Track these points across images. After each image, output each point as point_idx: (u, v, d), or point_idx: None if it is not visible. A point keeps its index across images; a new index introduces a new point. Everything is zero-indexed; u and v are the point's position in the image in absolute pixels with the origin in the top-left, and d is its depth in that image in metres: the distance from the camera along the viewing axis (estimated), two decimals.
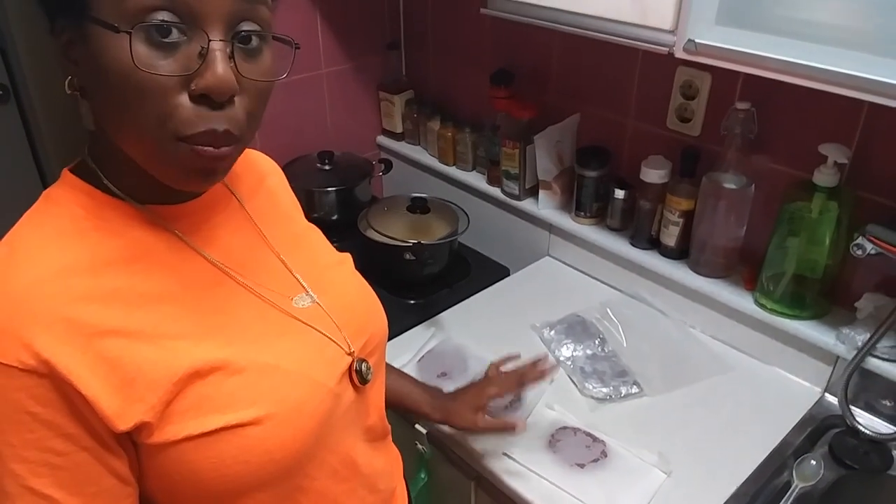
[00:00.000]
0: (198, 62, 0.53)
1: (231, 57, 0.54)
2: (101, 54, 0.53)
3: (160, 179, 0.58)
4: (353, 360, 0.71)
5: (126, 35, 0.51)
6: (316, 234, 0.83)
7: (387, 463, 0.82)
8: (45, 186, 0.63)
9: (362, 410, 0.74)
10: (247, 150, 0.72)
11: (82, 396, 0.53)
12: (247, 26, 0.56)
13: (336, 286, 0.76)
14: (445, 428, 1.05)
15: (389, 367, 0.93)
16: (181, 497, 0.61)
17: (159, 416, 0.56)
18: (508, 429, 1.00)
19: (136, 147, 0.57)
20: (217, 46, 0.53)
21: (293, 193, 0.85)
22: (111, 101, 0.55)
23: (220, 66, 0.53)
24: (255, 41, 0.57)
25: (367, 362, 0.73)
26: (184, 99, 0.53)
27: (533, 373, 1.03)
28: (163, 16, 0.52)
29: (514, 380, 1.03)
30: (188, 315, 0.61)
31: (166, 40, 0.52)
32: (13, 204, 0.63)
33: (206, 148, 0.55)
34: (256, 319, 0.66)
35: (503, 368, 1.07)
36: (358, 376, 0.71)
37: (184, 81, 0.53)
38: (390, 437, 0.86)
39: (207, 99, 0.54)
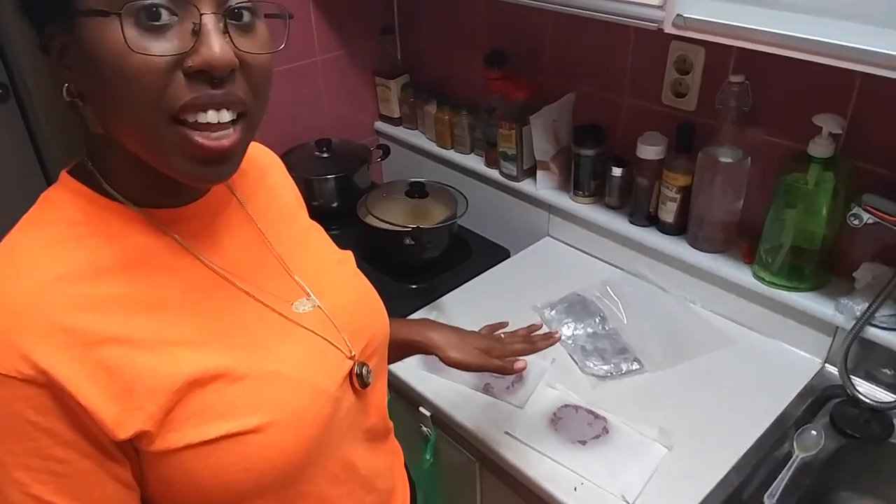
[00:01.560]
0: (192, 40, 0.52)
1: (226, 31, 0.53)
2: (94, 46, 0.52)
3: (167, 173, 0.57)
4: (353, 364, 0.71)
5: (116, 17, 0.50)
6: (317, 233, 0.82)
7: (386, 461, 0.81)
8: (49, 184, 0.62)
9: (362, 413, 0.74)
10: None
11: (81, 406, 0.53)
12: (237, 1, 0.54)
13: (337, 288, 0.75)
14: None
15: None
16: (182, 503, 0.61)
17: (159, 425, 0.56)
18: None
19: (136, 139, 0.56)
20: (209, 21, 0.52)
21: (296, 187, 0.83)
22: (108, 95, 0.54)
23: (216, 40, 0.52)
24: (246, 16, 0.55)
25: (368, 365, 0.73)
26: (178, 77, 0.52)
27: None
28: None
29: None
30: (188, 321, 0.61)
31: (157, 22, 0.51)
32: (18, 202, 0.62)
33: (202, 141, 0.54)
34: (257, 325, 0.66)
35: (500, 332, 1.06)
36: (358, 380, 0.71)
37: (179, 61, 0.52)
38: (392, 435, 0.85)
39: (206, 76, 0.53)
